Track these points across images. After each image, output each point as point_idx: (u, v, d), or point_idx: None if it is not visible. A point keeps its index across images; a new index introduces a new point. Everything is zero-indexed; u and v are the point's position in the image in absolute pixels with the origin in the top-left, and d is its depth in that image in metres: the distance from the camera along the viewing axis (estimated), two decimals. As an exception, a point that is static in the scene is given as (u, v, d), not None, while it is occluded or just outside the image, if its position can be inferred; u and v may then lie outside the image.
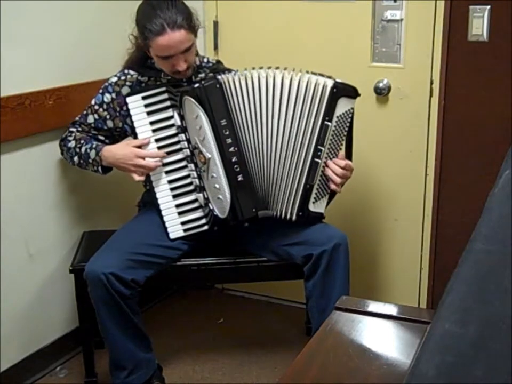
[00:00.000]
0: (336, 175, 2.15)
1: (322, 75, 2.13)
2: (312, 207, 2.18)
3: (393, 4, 2.54)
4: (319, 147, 2.13)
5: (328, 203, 2.25)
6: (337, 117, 2.13)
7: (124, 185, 2.72)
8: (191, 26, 2.12)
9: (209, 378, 2.51)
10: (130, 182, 2.67)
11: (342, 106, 2.14)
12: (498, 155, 1.40)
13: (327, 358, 1.16)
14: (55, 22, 2.38)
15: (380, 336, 1.25)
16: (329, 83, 2.11)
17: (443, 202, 2.62)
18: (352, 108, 2.16)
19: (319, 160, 2.14)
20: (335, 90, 2.11)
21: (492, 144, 2.47)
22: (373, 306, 1.32)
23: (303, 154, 2.14)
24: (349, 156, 2.25)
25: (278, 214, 2.19)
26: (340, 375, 1.11)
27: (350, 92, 2.15)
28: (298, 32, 2.73)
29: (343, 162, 2.16)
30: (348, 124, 2.17)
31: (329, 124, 2.12)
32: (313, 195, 2.17)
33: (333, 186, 2.18)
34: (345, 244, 2.18)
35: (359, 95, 2.17)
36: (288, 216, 2.18)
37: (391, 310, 1.31)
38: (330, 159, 2.16)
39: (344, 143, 2.21)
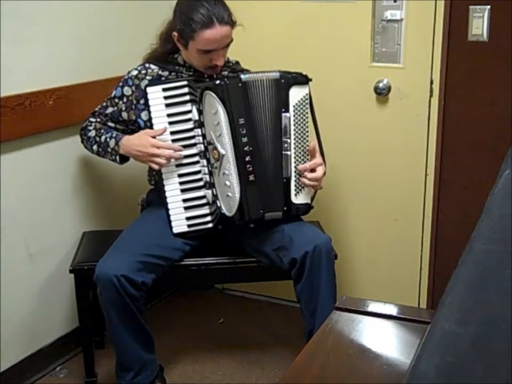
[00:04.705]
0: (309, 179, 2.19)
1: (268, 71, 2.18)
2: (295, 200, 2.21)
3: (393, 4, 2.54)
4: (285, 139, 2.18)
5: (314, 194, 2.28)
6: (294, 106, 2.18)
7: (124, 185, 2.73)
8: (233, 24, 2.18)
9: (209, 378, 2.51)
10: (131, 182, 2.68)
11: (295, 94, 2.18)
12: (498, 155, 1.40)
13: (327, 358, 1.16)
14: (55, 22, 2.38)
15: (380, 336, 1.25)
16: (275, 75, 2.16)
17: (443, 202, 2.62)
18: (307, 94, 2.20)
19: (288, 152, 2.18)
20: (282, 81, 2.17)
21: (491, 144, 2.47)
22: (373, 306, 1.32)
23: (276, 150, 2.18)
24: (318, 143, 2.27)
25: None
26: (340, 375, 1.12)
27: (298, 79, 2.19)
28: (299, 32, 2.73)
29: (308, 165, 2.19)
30: (307, 111, 2.20)
31: (287, 114, 2.17)
32: (292, 187, 2.20)
33: (312, 189, 2.23)
34: (326, 247, 2.15)
35: (310, 80, 2.20)
36: (277, 213, 2.20)
37: (391, 310, 1.31)
38: (300, 148, 2.19)
39: (308, 130, 2.21)
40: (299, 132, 2.19)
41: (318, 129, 2.27)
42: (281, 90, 2.17)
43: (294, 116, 2.18)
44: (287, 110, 2.17)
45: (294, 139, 2.18)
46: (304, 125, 2.20)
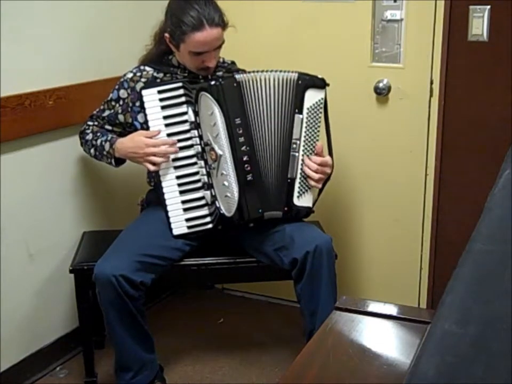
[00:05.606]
0: (313, 171, 2.17)
1: (286, 71, 2.17)
2: (297, 202, 2.20)
3: (393, 4, 2.54)
4: (294, 140, 2.17)
5: (317, 199, 2.28)
6: (308, 109, 2.17)
7: (124, 185, 2.72)
8: (225, 25, 2.18)
9: (209, 378, 2.51)
10: (131, 182, 2.67)
11: (311, 97, 2.17)
12: (498, 155, 1.40)
13: (327, 358, 1.16)
14: (55, 22, 2.38)
15: (380, 336, 1.25)
16: (294, 76, 2.16)
17: (443, 202, 2.62)
18: (322, 98, 2.19)
19: (296, 154, 2.18)
20: (300, 82, 2.16)
21: (491, 144, 2.47)
22: (373, 306, 1.32)
23: (284, 150, 2.18)
24: (329, 148, 2.27)
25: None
26: (340, 375, 1.12)
27: (316, 82, 2.18)
28: (299, 32, 2.73)
29: (319, 159, 2.18)
30: (320, 115, 2.19)
31: (300, 116, 2.16)
32: (296, 189, 2.19)
33: (311, 183, 2.19)
34: (327, 247, 2.15)
35: (327, 85, 2.19)
36: (277, 212, 2.20)
37: (391, 310, 1.31)
38: (309, 151, 2.18)
39: (319, 134, 2.21)
40: (310, 134, 2.18)
41: (330, 136, 2.25)
42: (297, 91, 2.16)
43: (306, 118, 2.17)
44: (300, 112, 2.16)
45: (304, 141, 2.17)
46: (316, 128, 2.18)
